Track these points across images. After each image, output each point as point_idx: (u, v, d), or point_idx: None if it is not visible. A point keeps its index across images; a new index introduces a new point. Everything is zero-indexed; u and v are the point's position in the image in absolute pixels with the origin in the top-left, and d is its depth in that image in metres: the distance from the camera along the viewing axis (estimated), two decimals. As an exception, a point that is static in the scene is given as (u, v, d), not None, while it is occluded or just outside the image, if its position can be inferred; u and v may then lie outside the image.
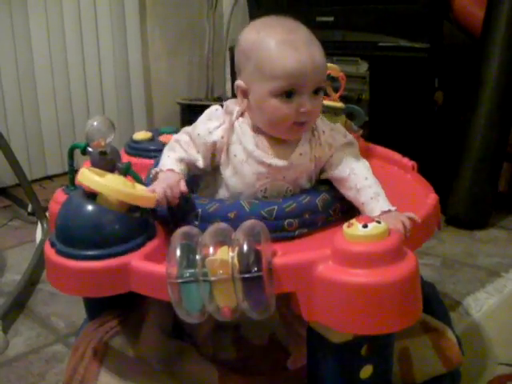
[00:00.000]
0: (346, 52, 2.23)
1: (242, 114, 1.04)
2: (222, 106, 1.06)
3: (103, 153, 1.04)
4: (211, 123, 1.03)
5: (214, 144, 1.02)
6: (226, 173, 1.03)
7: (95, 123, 1.05)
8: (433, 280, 1.50)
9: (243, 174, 1.01)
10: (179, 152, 1.04)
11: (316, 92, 0.98)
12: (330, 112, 1.30)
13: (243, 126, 1.02)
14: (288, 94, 0.96)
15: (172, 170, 1.00)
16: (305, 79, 0.95)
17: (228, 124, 1.02)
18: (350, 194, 1.00)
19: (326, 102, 1.29)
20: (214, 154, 1.03)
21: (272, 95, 0.96)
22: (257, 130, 1.02)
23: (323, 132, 1.04)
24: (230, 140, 1.02)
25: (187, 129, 1.07)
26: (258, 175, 1.00)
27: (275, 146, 1.01)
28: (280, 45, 0.96)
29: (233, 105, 1.04)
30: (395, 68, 2.12)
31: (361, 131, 1.38)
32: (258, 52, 0.97)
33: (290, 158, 1.01)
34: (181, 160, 1.03)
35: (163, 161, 1.03)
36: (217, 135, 1.02)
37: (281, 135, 1.01)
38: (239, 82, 1.01)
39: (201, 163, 1.04)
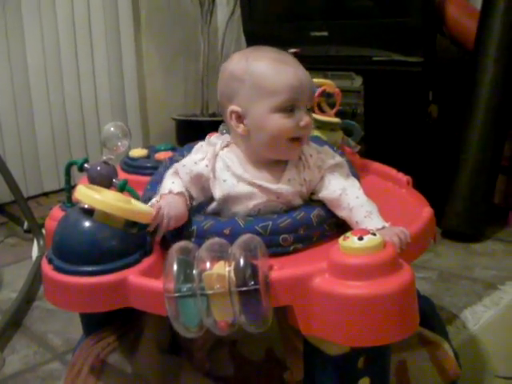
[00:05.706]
0: (340, 67, 2.24)
1: (227, 145, 1.05)
2: None
3: (106, 162, 1.07)
4: (196, 156, 1.04)
5: (200, 175, 1.02)
6: (218, 198, 1.02)
7: (112, 128, 1.07)
8: (429, 293, 1.50)
9: (236, 196, 1.00)
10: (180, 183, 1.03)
11: (308, 109, 1.00)
12: (327, 128, 1.30)
13: (229, 156, 1.03)
14: (290, 109, 0.97)
15: (181, 194, 1.00)
16: (303, 93, 0.98)
17: (211, 154, 1.03)
18: (343, 214, 1.00)
19: (323, 118, 1.29)
20: (202, 187, 1.03)
21: (274, 111, 0.97)
22: (246, 158, 1.03)
23: (310, 155, 1.04)
24: (214, 167, 1.02)
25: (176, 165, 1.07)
26: (251, 195, 1.00)
27: (263, 171, 1.02)
28: (274, 62, 0.98)
29: (215, 139, 1.06)
30: (389, 82, 2.14)
31: (358, 147, 1.38)
32: (254, 72, 0.99)
33: (278, 184, 1.01)
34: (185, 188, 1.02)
35: (168, 184, 1.02)
36: (202, 165, 1.02)
37: (279, 155, 1.02)
38: (234, 108, 1.01)
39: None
